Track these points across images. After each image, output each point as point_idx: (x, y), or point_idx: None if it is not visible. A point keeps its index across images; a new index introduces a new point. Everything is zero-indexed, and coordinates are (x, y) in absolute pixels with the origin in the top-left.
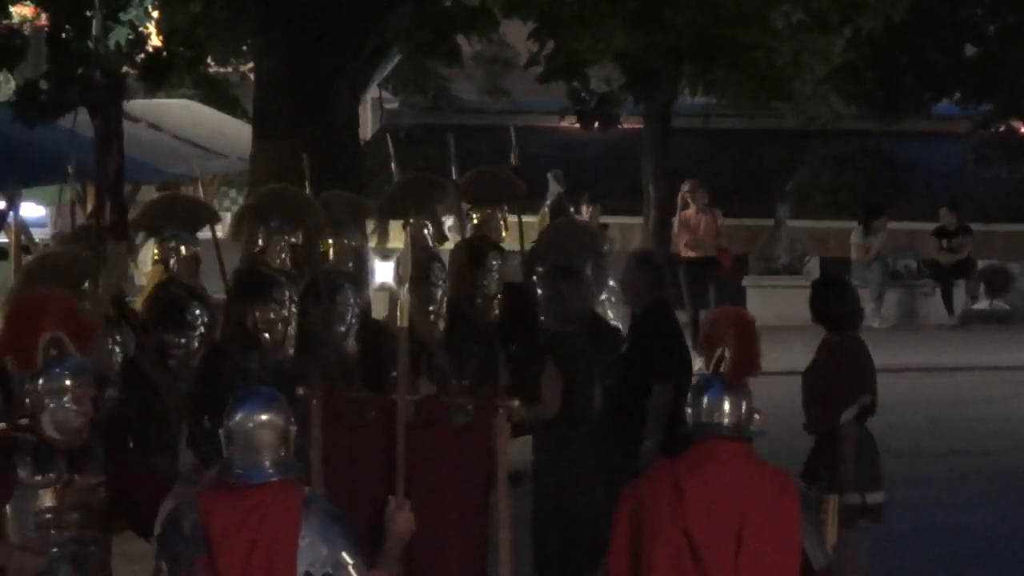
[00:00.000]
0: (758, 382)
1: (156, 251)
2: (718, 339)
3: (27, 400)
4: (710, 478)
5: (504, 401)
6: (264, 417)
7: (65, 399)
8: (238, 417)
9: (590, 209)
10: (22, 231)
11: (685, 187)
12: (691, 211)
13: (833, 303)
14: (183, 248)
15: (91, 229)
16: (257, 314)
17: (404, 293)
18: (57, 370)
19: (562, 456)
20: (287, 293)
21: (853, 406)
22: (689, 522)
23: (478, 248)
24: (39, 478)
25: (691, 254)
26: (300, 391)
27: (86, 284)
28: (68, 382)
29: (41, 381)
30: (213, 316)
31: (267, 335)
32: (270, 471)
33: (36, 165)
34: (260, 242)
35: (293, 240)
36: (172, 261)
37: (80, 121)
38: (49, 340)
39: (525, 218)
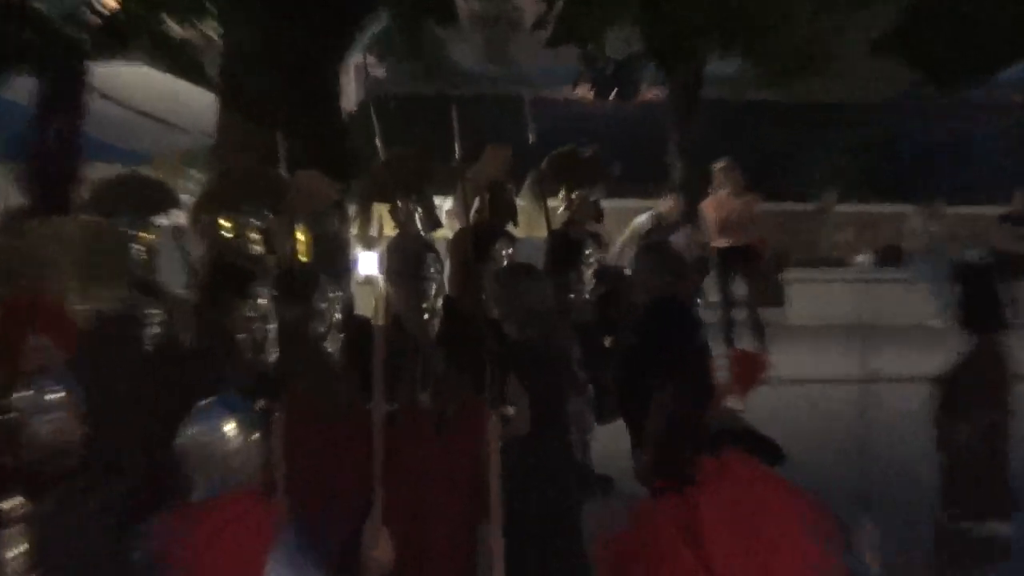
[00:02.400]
0: (792, 390)
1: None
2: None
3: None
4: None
5: (496, 407)
6: (225, 430)
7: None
8: (195, 431)
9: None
10: None
11: (718, 166)
12: (724, 194)
13: (986, 299)
14: (137, 236)
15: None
16: (234, 312)
17: (381, 287)
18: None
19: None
20: (266, 288)
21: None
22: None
23: (483, 235)
24: None
25: (723, 243)
26: (260, 403)
27: None
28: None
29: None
30: (173, 315)
31: (243, 336)
32: (234, 488)
33: None
34: (228, 230)
35: (265, 227)
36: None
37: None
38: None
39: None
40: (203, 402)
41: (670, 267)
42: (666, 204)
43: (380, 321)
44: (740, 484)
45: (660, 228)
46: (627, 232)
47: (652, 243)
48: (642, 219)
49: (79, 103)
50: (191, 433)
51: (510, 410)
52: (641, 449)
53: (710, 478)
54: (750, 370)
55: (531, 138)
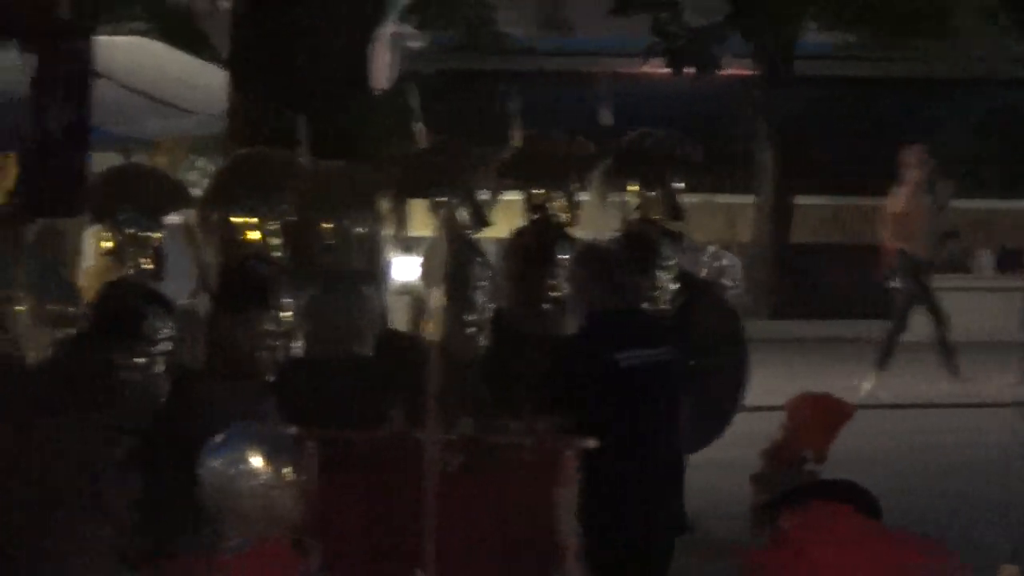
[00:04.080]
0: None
1: (104, 241)
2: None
3: None
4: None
5: (572, 440)
6: (251, 464)
7: None
8: (216, 464)
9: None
10: None
11: (909, 151)
12: (908, 189)
13: None
14: (141, 236)
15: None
16: (253, 326)
17: (436, 296)
18: None
19: None
20: (291, 296)
21: None
22: None
23: (544, 236)
24: None
25: (902, 247)
26: (292, 430)
27: None
28: None
29: None
30: (182, 329)
31: (264, 353)
32: (259, 534)
33: None
34: (242, 228)
35: (281, 224)
36: (125, 254)
37: None
38: None
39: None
40: (223, 433)
41: (607, 275)
42: None
43: (434, 337)
44: (853, 539)
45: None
46: None
47: (586, 248)
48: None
49: (84, 83)
50: (213, 466)
51: (591, 442)
52: None
53: (813, 531)
54: (833, 419)
55: (606, 120)
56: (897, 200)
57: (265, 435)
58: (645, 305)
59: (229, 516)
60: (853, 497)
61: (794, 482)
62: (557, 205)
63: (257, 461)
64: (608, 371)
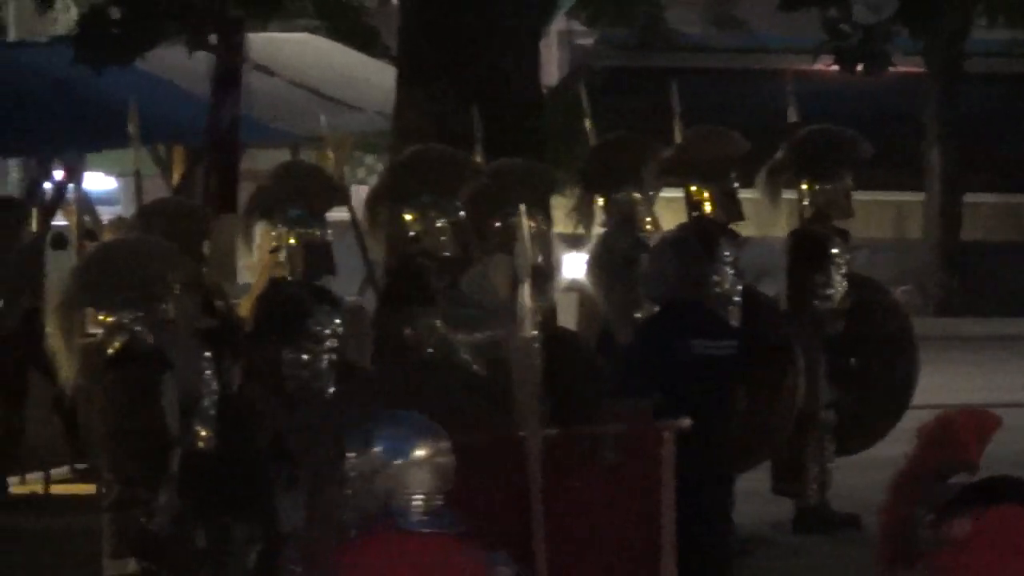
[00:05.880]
0: None
1: (268, 238)
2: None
3: None
4: None
5: (668, 422)
6: (426, 449)
7: None
8: (379, 449)
9: None
10: (85, 210)
11: None
12: None
13: None
14: (307, 234)
15: (167, 205)
16: (419, 323)
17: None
18: None
19: None
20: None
21: None
22: None
23: (705, 234)
24: None
25: None
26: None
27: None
28: None
29: None
30: (347, 326)
31: (431, 351)
32: (440, 519)
33: (104, 123)
34: (412, 225)
35: (454, 221)
36: (287, 251)
37: (152, 59)
38: None
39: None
40: (378, 418)
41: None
42: None
43: (529, 334)
44: None
45: None
46: None
47: (678, 239)
48: None
49: (239, 80)
50: (376, 452)
51: (686, 422)
52: None
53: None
54: (985, 431)
55: (793, 115)
56: None
57: (425, 423)
58: (816, 303)
59: (400, 499)
60: None
61: (940, 495)
62: (716, 201)
63: (424, 447)
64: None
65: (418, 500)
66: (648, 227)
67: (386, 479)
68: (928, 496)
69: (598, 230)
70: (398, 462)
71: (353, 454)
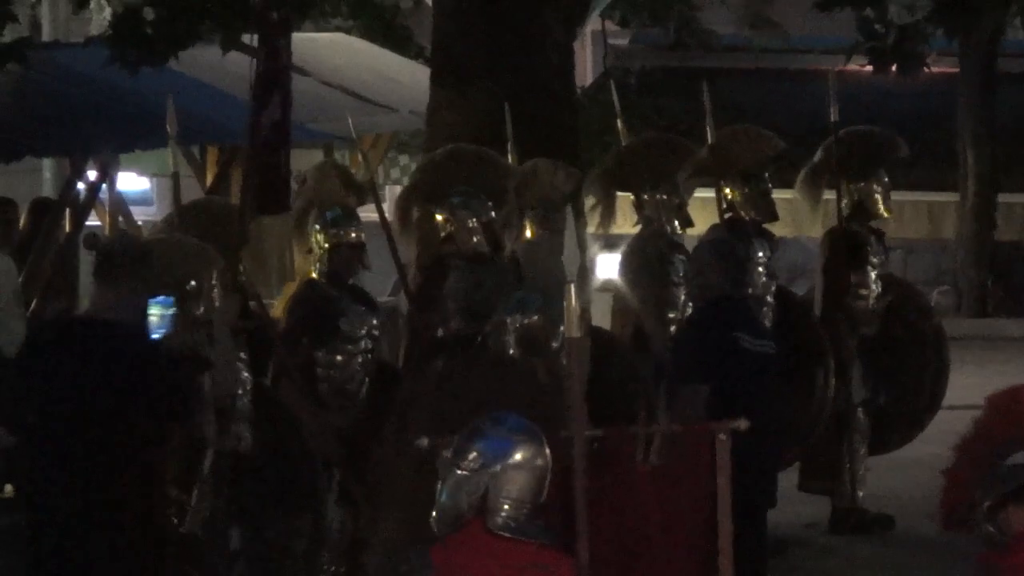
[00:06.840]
0: None
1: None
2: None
3: None
4: None
5: (723, 422)
6: (528, 454)
7: None
8: (480, 447)
9: None
10: (119, 210)
11: None
12: None
13: None
14: (340, 234)
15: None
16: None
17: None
18: None
19: None
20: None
21: None
22: None
23: (739, 234)
24: None
25: None
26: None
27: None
28: None
29: None
30: (382, 327)
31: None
32: (530, 527)
33: (138, 123)
34: (442, 225)
35: (485, 220)
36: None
37: (186, 60)
38: None
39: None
40: (478, 421)
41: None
42: None
43: (574, 332)
44: None
45: None
46: None
47: (719, 242)
48: None
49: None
50: (475, 453)
51: (744, 423)
52: None
53: None
54: None
55: (834, 115)
56: None
57: (528, 427)
58: (852, 303)
59: (493, 500)
60: None
61: (999, 478)
62: (749, 201)
63: (526, 449)
64: None
65: (511, 504)
66: (681, 228)
67: (484, 480)
68: (989, 478)
69: (630, 230)
70: (498, 465)
71: (451, 453)
